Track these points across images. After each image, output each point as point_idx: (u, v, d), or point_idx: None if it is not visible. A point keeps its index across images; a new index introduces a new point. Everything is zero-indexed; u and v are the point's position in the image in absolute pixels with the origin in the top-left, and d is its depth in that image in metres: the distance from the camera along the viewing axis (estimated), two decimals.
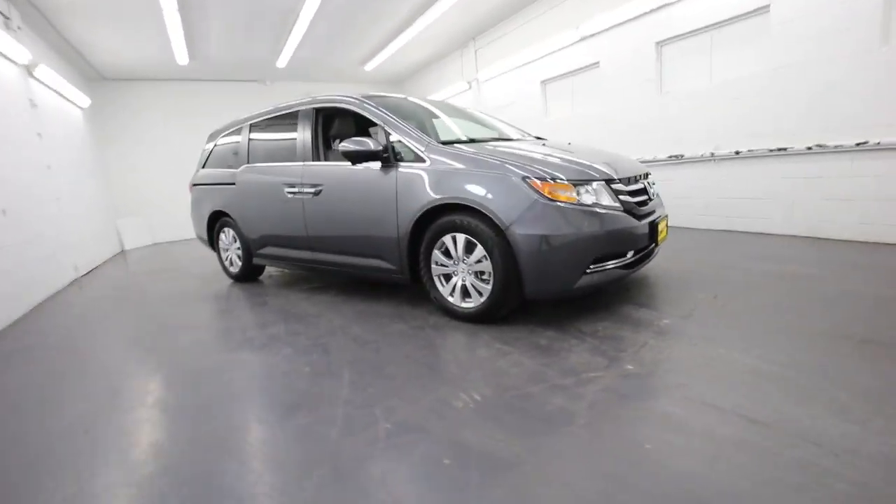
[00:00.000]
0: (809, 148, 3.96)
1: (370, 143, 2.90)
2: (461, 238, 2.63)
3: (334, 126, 3.60)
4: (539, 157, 2.62)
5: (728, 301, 2.75)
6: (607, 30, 5.59)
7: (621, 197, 2.58)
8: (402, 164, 2.90)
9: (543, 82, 6.82)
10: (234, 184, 4.19)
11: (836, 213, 3.88)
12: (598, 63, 5.87)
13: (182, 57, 7.29)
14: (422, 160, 2.81)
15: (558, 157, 2.66)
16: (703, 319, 2.49)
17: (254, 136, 4.13)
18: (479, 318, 2.67)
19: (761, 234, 4.55)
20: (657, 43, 5.11)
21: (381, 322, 2.92)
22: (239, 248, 4.37)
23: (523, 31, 6.99)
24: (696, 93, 4.87)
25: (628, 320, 2.57)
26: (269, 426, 1.79)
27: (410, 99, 3.64)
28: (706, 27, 4.65)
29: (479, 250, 2.56)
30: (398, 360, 2.33)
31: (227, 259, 4.61)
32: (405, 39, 7.76)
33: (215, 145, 4.68)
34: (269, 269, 4.97)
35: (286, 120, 3.83)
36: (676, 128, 5.06)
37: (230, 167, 4.35)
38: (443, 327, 2.72)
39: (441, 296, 2.83)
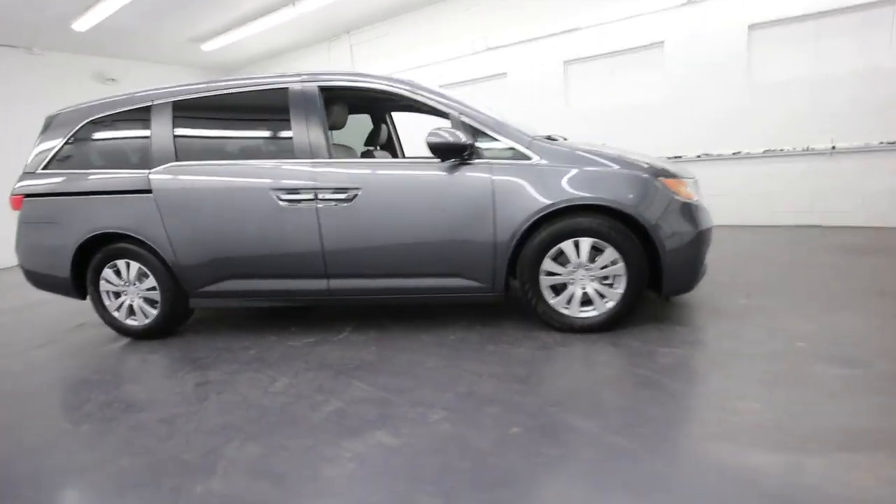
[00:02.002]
0: (699, 156, 5.09)
1: (461, 136, 2.36)
2: (585, 242, 2.39)
3: (345, 113, 2.78)
4: (641, 156, 2.60)
5: (748, 279, 3.27)
6: (516, 44, 5.94)
7: None
8: (494, 161, 2.45)
9: (441, 87, 6.76)
10: (148, 191, 2.76)
11: (718, 206, 5.08)
12: (505, 73, 6.18)
13: None
14: (524, 157, 2.44)
15: (653, 157, 2.69)
16: (767, 296, 2.89)
17: (185, 121, 2.81)
18: (601, 326, 2.48)
19: None
20: (565, 62, 5.71)
21: (491, 350, 2.39)
22: (153, 289, 2.90)
23: (415, 33, 6.79)
24: (599, 108, 5.65)
25: (716, 308, 2.78)
26: None
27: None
28: (609, 53, 5.45)
29: (610, 253, 2.38)
30: (599, 388, 1.96)
31: (121, 307, 3.00)
32: (268, 23, 6.54)
33: (72, 137, 2.99)
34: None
35: (261, 100, 2.75)
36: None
37: (123, 167, 2.87)
38: (570, 342, 2.42)
39: (552, 308, 2.50)
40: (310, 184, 2.57)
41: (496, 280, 2.52)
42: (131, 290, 2.96)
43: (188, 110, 2.81)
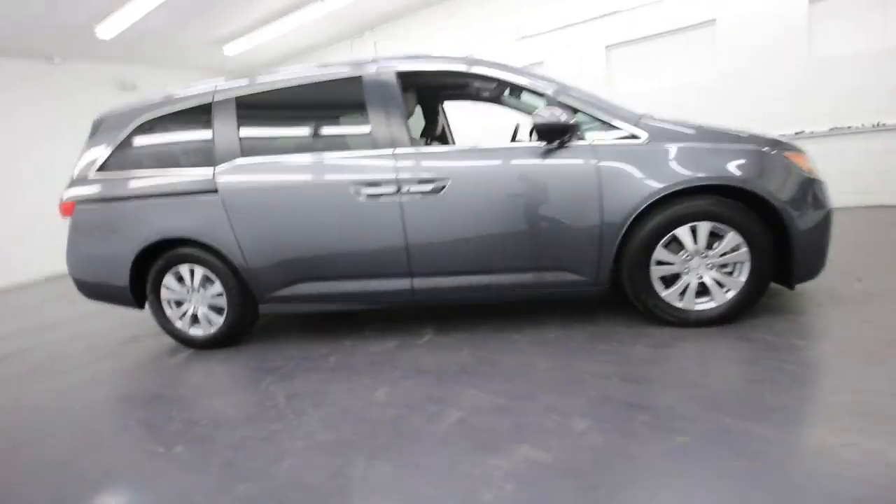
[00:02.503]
0: None
1: (566, 116, 2.15)
2: (704, 227, 2.17)
3: (415, 100, 2.60)
4: (755, 130, 2.39)
5: (849, 262, 3.01)
6: (552, 31, 5.74)
7: None
8: (598, 142, 2.25)
9: None
10: (213, 191, 2.58)
11: None
12: (542, 62, 5.97)
13: None
14: (632, 137, 2.23)
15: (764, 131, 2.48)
16: (880, 279, 2.64)
17: (251, 116, 2.63)
18: (721, 319, 2.26)
19: None
20: (606, 46, 5.50)
21: (604, 349, 2.18)
22: (219, 295, 2.72)
23: (443, 25, 6.59)
24: (646, 93, 5.42)
25: (832, 294, 2.54)
26: None
27: None
28: (655, 35, 5.23)
29: (732, 238, 2.16)
30: (751, 387, 1.74)
31: (183, 316, 2.82)
32: (293, 23, 6.38)
33: (125, 139, 2.81)
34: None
35: (331, 90, 2.56)
36: None
37: (183, 167, 2.69)
38: (689, 337, 2.19)
39: (664, 301, 2.29)
40: (392, 176, 2.37)
41: (600, 273, 2.31)
42: (195, 298, 2.78)
43: (253, 104, 2.63)
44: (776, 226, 2.15)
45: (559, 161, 2.25)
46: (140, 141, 2.81)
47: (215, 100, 2.66)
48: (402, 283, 2.51)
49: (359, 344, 2.66)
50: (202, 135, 2.70)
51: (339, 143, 2.61)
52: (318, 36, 7.32)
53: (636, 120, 2.25)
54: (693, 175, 2.12)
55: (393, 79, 2.46)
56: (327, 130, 2.67)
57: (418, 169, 2.36)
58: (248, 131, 2.62)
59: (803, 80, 4.56)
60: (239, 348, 2.84)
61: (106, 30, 5.58)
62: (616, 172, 2.20)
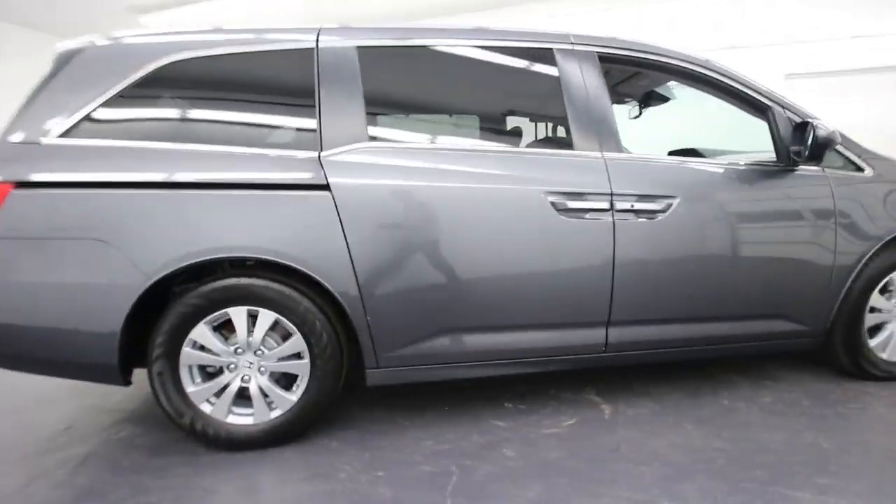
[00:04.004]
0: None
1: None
2: None
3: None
4: None
5: None
6: None
7: None
8: (829, 170, 1.97)
9: None
10: (321, 188, 1.59)
11: None
12: None
13: None
14: (857, 168, 2.03)
15: None
16: None
17: (384, 82, 1.75)
18: None
19: None
20: None
21: (849, 415, 1.81)
22: (295, 356, 1.65)
23: None
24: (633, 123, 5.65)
25: None
26: None
27: None
28: None
29: None
30: None
31: (222, 393, 1.64)
32: (243, 4, 5.23)
33: (131, 87, 1.61)
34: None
35: (508, 61, 1.85)
36: None
37: (242, 144, 1.65)
38: None
39: (873, 354, 2.05)
40: (604, 188, 1.74)
41: (820, 321, 1.99)
42: (247, 361, 1.66)
43: (392, 64, 1.77)
44: None
45: (796, 186, 1.93)
46: (161, 95, 1.68)
47: (321, 47, 1.72)
48: (593, 335, 1.83)
49: (516, 424, 1.84)
50: (291, 99, 1.73)
51: (518, 137, 1.90)
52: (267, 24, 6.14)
53: (861, 151, 2.06)
54: None
55: (594, 60, 1.87)
56: (503, 117, 1.94)
57: (640, 181, 1.78)
58: (382, 103, 1.73)
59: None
60: (306, 444, 1.75)
61: None
62: (850, 206, 1.95)
